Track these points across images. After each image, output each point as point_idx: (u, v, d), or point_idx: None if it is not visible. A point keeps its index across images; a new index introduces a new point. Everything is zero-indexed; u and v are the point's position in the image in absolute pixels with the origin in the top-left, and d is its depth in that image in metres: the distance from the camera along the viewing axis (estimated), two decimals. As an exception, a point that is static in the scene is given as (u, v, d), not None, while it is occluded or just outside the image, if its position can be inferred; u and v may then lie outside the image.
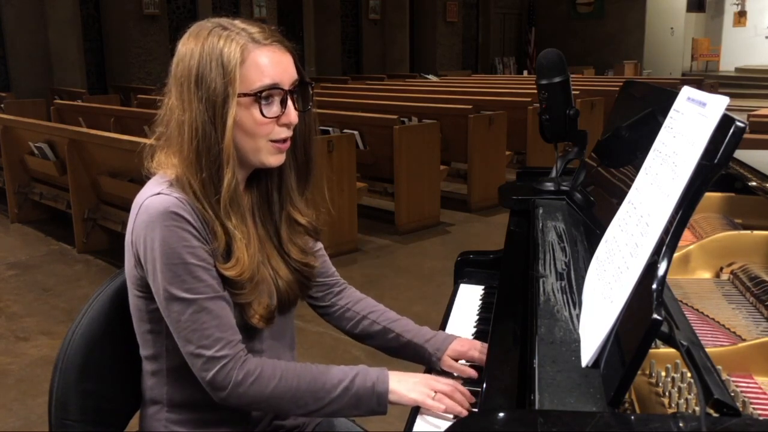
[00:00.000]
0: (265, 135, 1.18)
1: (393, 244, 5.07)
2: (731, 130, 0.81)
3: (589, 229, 1.37)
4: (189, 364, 1.16)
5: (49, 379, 1.28)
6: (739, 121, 0.81)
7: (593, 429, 0.75)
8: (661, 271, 0.82)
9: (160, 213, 1.12)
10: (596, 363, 0.91)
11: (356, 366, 1.21)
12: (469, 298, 1.68)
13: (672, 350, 0.87)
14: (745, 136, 0.82)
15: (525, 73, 16.96)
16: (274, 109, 1.18)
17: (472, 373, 1.30)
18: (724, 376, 0.96)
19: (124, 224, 4.16)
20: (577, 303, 1.10)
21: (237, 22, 1.19)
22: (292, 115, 1.19)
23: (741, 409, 0.87)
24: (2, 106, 7.68)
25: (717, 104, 0.84)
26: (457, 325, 1.53)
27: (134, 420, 1.38)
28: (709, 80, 12.64)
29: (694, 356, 0.82)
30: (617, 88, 1.74)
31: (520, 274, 1.38)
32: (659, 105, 1.13)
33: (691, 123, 0.89)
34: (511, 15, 18.86)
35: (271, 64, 1.16)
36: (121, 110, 6.89)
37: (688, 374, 0.91)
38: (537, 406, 0.84)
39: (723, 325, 1.13)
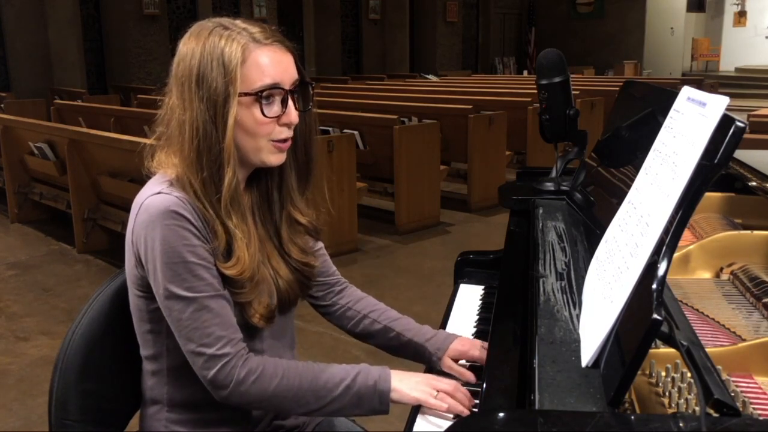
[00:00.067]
0: (266, 135, 1.18)
1: (393, 244, 5.07)
2: (731, 130, 0.81)
3: (589, 229, 1.37)
4: (190, 362, 1.16)
5: (49, 379, 1.28)
6: (739, 121, 0.81)
7: (593, 429, 0.75)
8: (661, 271, 0.82)
9: (160, 212, 1.12)
10: (596, 363, 0.91)
11: (358, 365, 1.21)
12: (469, 298, 1.68)
13: (672, 350, 0.87)
14: (745, 136, 0.82)
15: (525, 73, 16.95)
16: (275, 108, 1.18)
17: (470, 376, 1.30)
18: (724, 376, 0.96)
19: (124, 224, 4.17)
20: (577, 303, 1.10)
21: (238, 21, 1.20)
22: (292, 114, 1.19)
23: (741, 409, 0.87)
24: (2, 106, 7.68)
25: (717, 104, 0.84)
26: (457, 325, 1.53)
27: (134, 420, 1.38)
28: (709, 80, 12.64)
29: (694, 356, 0.82)
30: (617, 88, 1.74)
31: (520, 274, 1.39)
32: (659, 105, 1.13)
33: (691, 123, 0.89)
34: (511, 15, 18.86)
35: (272, 63, 1.17)
36: (121, 110, 6.88)
37: (688, 374, 0.91)
38: (537, 406, 0.84)
39: (723, 325, 1.13)
